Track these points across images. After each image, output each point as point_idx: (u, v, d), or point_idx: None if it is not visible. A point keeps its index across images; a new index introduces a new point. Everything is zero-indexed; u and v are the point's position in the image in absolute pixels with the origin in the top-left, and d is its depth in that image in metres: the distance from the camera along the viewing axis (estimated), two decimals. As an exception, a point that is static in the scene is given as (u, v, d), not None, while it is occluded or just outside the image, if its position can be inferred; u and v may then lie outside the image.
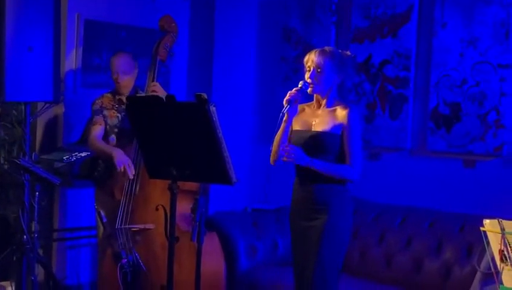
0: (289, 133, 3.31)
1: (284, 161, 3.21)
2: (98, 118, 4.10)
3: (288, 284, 4.02)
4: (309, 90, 3.24)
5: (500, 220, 2.52)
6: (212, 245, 4.02)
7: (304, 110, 3.35)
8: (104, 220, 3.68)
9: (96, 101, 4.15)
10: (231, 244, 4.31)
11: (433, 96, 4.40)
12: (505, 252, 2.50)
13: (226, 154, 2.86)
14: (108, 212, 3.76)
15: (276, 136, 3.27)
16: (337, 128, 3.22)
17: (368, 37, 4.71)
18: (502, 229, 2.49)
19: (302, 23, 5.07)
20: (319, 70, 3.21)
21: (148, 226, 3.84)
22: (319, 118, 3.27)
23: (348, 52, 3.37)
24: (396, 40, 4.57)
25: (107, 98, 4.15)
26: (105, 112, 4.11)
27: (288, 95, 3.19)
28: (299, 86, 3.22)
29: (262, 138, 5.33)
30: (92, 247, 4.76)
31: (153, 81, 4.01)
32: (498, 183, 4.15)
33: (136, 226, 3.85)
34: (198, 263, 3.11)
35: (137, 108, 3.09)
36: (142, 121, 3.07)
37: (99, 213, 3.68)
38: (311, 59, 3.24)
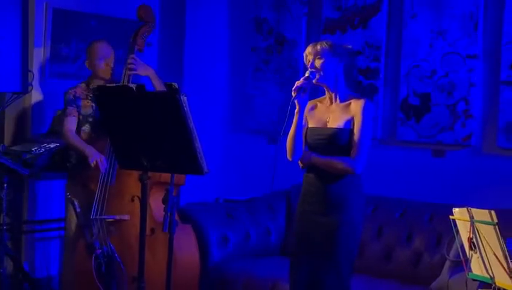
0: (304, 130, 3.24)
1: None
2: (71, 109, 4.06)
3: (261, 274, 4.03)
4: (314, 80, 3.16)
5: (469, 208, 2.54)
6: (187, 237, 4.02)
7: (316, 106, 3.28)
8: (78, 210, 3.65)
9: (70, 91, 4.10)
10: (203, 235, 4.29)
11: (403, 87, 4.43)
12: (474, 240, 2.53)
13: (198, 144, 2.84)
14: (81, 202, 3.73)
15: (290, 132, 3.20)
16: (349, 123, 3.15)
17: (339, 28, 4.72)
18: (471, 217, 2.52)
19: (274, 14, 5.06)
20: (318, 58, 3.16)
21: (123, 217, 3.83)
22: (333, 114, 3.19)
23: (349, 46, 3.32)
24: (367, 31, 4.59)
25: (80, 88, 4.11)
26: (79, 102, 4.06)
27: (295, 84, 3.14)
28: (306, 74, 3.16)
29: (233, 129, 5.33)
30: (62, 239, 4.71)
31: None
32: (467, 172, 4.20)
33: (111, 217, 3.83)
34: (170, 254, 3.10)
35: (107, 98, 3.06)
36: (112, 111, 3.04)
37: (72, 203, 3.64)
38: (309, 51, 3.19)
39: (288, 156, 3.24)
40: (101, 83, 4.02)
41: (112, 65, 4.09)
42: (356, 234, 3.18)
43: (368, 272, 4.03)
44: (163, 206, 3.04)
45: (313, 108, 3.28)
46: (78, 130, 4.07)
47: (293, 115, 3.19)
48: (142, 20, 4.02)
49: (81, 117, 4.08)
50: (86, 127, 4.07)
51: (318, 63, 3.16)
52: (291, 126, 3.21)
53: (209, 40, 5.32)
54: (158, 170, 3.10)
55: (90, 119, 4.07)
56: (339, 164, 3.13)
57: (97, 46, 4.09)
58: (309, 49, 3.21)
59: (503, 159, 4.08)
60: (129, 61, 3.93)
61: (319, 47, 3.18)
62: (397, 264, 4.02)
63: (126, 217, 3.82)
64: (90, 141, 4.01)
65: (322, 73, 3.16)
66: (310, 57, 3.19)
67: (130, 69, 3.92)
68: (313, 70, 3.16)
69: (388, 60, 4.56)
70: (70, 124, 4.04)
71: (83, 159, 3.95)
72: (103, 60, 4.06)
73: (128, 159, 3.10)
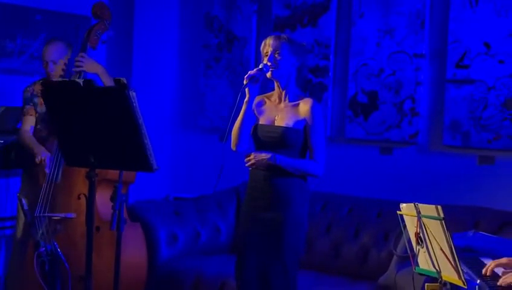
0: (254, 126, 3.23)
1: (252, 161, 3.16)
2: (29, 108, 4.05)
3: (210, 272, 4.02)
4: (268, 73, 3.15)
5: (416, 203, 2.58)
6: (136, 235, 3.97)
7: (265, 102, 3.27)
8: (26, 207, 3.57)
9: (27, 89, 4.09)
10: (152, 233, 4.25)
11: (352, 85, 4.48)
12: (421, 235, 2.57)
13: (147, 141, 2.80)
14: (30, 200, 3.68)
15: (237, 121, 3.19)
16: (299, 124, 3.16)
17: (289, 26, 4.74)
18: (418, 213, 2.56)
19: (224, 11, 5.05)
20: (277, 53, 3.15)
21: (69, 215, 3.76)
22: (282, 113, 3.20)
23: (304, 43, 3.35)
24: (316, 30, 4.63)
25: (38, 86, 4.07)
26: (36, 100, 4.04)
27: (248, 73, 3.13)
28: (260, 66, 3.14)
29: (183, 126, 5.29)
30: (6, 239, 4.60)
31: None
32: (413, 169, 4.28)
33: (57, 215, 3.76)
34: (118, 252, 3.05)
35: (54, 93, 2.99)
36: (59, 106, 2.98)
37: (20, 200, 3.56)
38: (268, 44, 3.18)
39: (232, 146, 3.23)
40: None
41: (63, 66, 4.04)
42: (301, 230, 3.20)
43: (317, 268, 4.06)
44: (110, 203, 2.99)
45: (261, 104, 3.28)
46: (35, 128, 4.06)
47: (241, 107, 3.18)
48: (98, 17, 3.99)
49: (37, 115, 4.06)
50: (41, 125, 4.03)
51: (277, 58, 3.17)
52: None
53: (159, 36, 5.27)
54: (106, 166, 3.05)
55: (45, 117, 4.01)
56: (304, 170, 3.17)
57: (45, 48, 4.08)
58: (270, 41, 3.19)
59: (448, 156, 4.17)
60: (77, 58, 3.90)
61: (280, 42, 3.17)
62: (345, 260, 4.07)
63: (72, 215, 3.77)
64: (42, 138, 3.97)
65: (278, 68, 3.17)
66: (269, 49, 3.18)
67: (77, 66, 3.88)
68: (267, 63, 3.16)
69: (337, 59, 4.60)
70: (27, 124, 4.05)
71: (32, 157, 3.90)
72: (50, 61, 4.03)
73: (74, 156, 3.04)
